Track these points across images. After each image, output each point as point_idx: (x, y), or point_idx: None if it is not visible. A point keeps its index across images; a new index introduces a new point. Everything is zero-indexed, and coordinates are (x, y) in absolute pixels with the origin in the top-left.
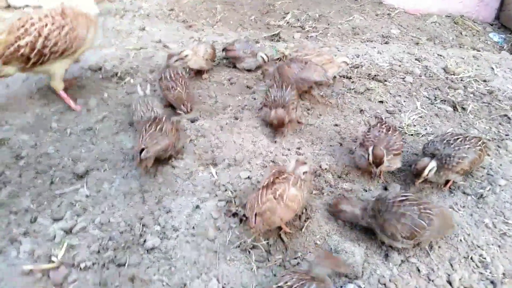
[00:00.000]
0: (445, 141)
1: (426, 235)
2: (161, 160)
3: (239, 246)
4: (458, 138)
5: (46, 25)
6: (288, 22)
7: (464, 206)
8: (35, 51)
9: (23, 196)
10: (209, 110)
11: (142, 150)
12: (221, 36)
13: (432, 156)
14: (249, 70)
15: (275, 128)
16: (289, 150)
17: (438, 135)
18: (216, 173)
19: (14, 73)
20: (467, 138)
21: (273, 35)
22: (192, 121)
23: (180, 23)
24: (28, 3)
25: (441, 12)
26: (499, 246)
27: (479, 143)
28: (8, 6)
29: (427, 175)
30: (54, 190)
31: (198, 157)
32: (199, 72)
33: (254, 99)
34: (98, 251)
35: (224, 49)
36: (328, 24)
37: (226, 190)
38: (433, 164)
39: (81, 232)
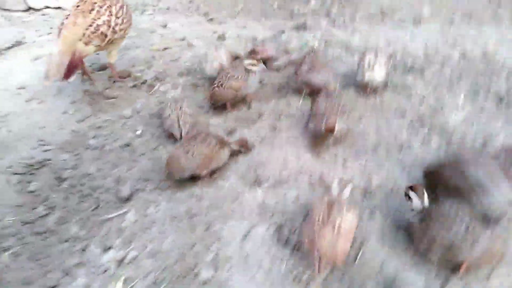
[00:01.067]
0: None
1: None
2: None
3: (295, 278)
4: None
5: (110, 6)
6: (313, 9)
7: None
8: (111, 28)
9: (71, 222)
10: (244, 118)
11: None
12: (245, 28)
13: None
14: (277, 69)
15: (322, 137)
16: (334, 163)
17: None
18: (262, 193)
19: (93, 53)
20: None
21: (299, 24)
22: (229, 132)
23: (201, 16)
24: (48, 4)
25: None
26: None
27: None
28: (29, 9)
29: None
30: (101, 215)
31: (242, 175)
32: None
33: (290, 104)
34: (155, 282)
35: (252, 51)
36: (356, 6)
37: (274, 214)
38: None
39: (134, 262)
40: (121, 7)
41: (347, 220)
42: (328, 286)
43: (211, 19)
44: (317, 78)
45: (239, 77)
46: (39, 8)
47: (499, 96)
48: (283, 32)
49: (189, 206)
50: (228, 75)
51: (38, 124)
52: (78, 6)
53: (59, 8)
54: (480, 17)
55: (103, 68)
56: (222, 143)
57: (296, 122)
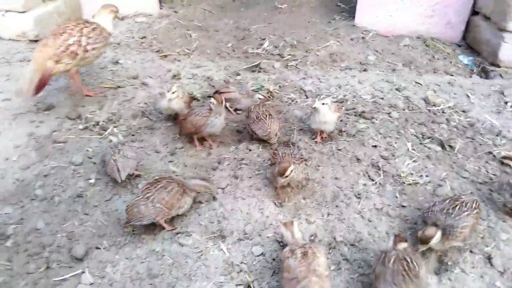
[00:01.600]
0: (444, 211)
1: None
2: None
3: None
4: (456, 206)
5: (82, 28)
6: (266, 50)
7: (473, 267)
8: (82, 47)
9: (17, 286)
10: (204, 164)
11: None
12: (199, 68)
13: (436, 225)
14: (236, 110)
15: (281, 185)
16: (299, 216)
17: (435, 203)
18: (227, 249)
19: (63, 71)
20: (464, 204)
21: (254, 65)
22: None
23: (154, 52)
24: None
25: (412, 34)
26: None
27: (474, 205)
28: None
29: (433, 243)
30: (53, 277)
31: (205, 229)
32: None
33: (250, 150)
34: None
35: (216, 92)
36: (306, 51)
37: (241, 271)
38: (439, 234)
39: None
40: (94, 28)
41: (321, 261)
42: None
43: (165, 56)
44: (261, 130)
45: (203, 114)
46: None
47: (443, 142)
48: (238, 74)
49: (150, 265)
50: (195, 111)
51: None
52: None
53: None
54: (419, 65)
55: (49, 108)
56: (184, 189)
57: (257, 169)
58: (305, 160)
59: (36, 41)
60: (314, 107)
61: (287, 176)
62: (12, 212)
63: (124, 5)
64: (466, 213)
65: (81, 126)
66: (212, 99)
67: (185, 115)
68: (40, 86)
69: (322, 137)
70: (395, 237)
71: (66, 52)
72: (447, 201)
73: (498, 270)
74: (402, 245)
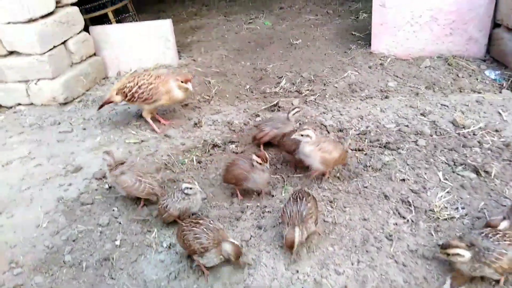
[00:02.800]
0: (483, 234)
1: None
2: None
3: None
4: (498, 233)
5: (141, 79)
6: (283, 88)
7: None
8: (130, 92)
9: None
10: (227, 215)
11: None
12: (219, 113)
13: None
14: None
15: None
16: (327, 266)
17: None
18: None
19: (119, 102)
20: (507, 234)
21: (272, 105)
22: None
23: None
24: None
25: (432, 54)
26: None
27: None
28: None
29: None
30: None
31: (229, 284)
32: None
33: (273, 196)
34: None
35: (253, 138)
36: (324, 84)
37: None
38: (467, 254)
39: None
40: (150, 83)
41: None
42: None
43: (186, 105)
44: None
45: (245, 168)
46: (10, 105)
47: (477, 167)
48: (257, 115)
49: None
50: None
51: (8, 243)
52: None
53: (31, 104)
54: (443, 86)
55: (77, 169)
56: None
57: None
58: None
59: (65, 103)
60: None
61: (294, 247)
62: (42, 281)
63: (145, 59)
64: (507, 242)
65: (107, 186)
66: (254, 157)
67: (229, 163)
68: (103, 104)
69: (319, 175)
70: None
71: (122, 90)
72: (489, 228)
73: None
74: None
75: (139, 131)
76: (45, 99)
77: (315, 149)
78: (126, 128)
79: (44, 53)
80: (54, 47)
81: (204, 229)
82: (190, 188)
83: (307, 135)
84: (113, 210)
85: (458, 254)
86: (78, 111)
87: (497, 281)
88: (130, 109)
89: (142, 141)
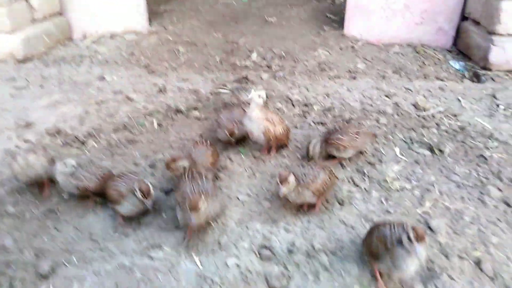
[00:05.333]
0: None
1: None
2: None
3: None
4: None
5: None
6: (254, 62)
7: (462, 273)
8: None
9: None
10: None
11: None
12: (186, 81)
13: None
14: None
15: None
16: (277, 225)
17: None
18: (200, 262)
19: None
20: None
21: (241, 77)
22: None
23: (142, 68)
24: None
25: (402, 41)
26: None
27: None
28: None
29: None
30: None
31: (176, 241)
32: None
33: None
34: None
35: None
36: (295, 61)
37: (212, 284)
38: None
39: None
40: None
41: None
42: None
43: (152, 72)
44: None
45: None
46: None
47: (432, 146)
48: (225, 86)
49: (118, 280)
50: None
51: None
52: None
53: None
54: (409, 72)
55: (28, 125)
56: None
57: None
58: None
59: (24, 61)
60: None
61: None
62: None
63: (113, 23)
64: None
65: (60, 141)
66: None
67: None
68: None
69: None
70: None
71: None
72: None
73: (488, 275)
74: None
75: (100, 92)
76: (2, 54)
77: (261, 116)
78: (87, 89)
79: (3, 5)
80: (15, 0)
81: (124, 178)
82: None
83: (260, 96)
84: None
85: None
86: (37, 69)
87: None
88: (92, 70)
89: (102, 102)
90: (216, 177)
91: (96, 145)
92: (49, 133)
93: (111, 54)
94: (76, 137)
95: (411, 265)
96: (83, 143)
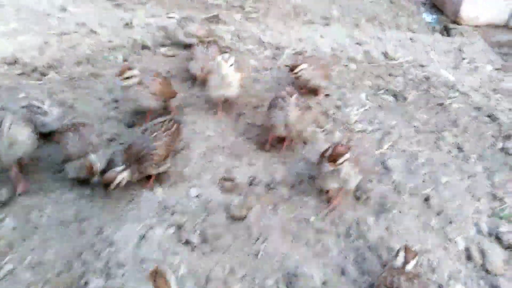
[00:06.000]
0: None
1: None
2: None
3: (197, 279)
4: None
5: None
6: (226, 1)
7: (411, 208)
8: None
9: None
10: None
11: None
12: (154, 17)
13: None
14: None
15: None
16: (240, 160)
17: None
18: (162, 192)
19: None
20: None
21: (212, 16)
22: None
23: (107, 1)
24: None
25: None
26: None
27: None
28: None
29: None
30: None
31: None
32: None
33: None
34: None
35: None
36: (269, 3)
37: (174, 213)
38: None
39: (8, 276)
40: None
41: None
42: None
43: (118, 5)
44: None
45: None
46: None
47: (396, 93)
48: (191, 20)
49: (79, 208)
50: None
51: None
52: None
53: None
54: (382, 22)
55: None
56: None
57: None
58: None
59: None
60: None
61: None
62: None
63: None
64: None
65: (17, 71)
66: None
67: None
68: None
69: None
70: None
71: None
72: None
73: (435, 211)
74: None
75: (62, 23)
76: None
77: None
78: (48, 19)
79: None
80: None
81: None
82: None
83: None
84: (21, 95)
85: None
86: None
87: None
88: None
89: (63, 33)
90: None
91: (57, 77)
92: (7, 62)
93: None
94: (35, 68)
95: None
96: (43, 74)
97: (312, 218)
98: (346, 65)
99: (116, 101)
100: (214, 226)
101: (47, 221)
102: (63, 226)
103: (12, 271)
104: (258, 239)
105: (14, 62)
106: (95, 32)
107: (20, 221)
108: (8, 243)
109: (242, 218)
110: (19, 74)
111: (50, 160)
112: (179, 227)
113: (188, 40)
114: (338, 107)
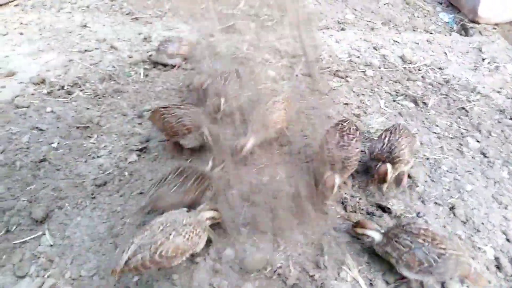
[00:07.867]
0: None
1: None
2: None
3: None
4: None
5: None
6: (241, 10)
7: (437, 218)
8: None
9: None
10: None
11: None
12: (172, 30)
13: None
14: None
15: None
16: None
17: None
18: None
19: None
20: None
21: (228, 26)
22: None
23: (125, 15)
24: None
25: None
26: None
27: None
28: None
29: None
30: (12, 240)
31: None
32: None
33: None
34: None
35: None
36: (283, 11)
37: None
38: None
39: None
40: None
41: None
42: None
43: (136, 19)
44: None
45: None
46: None
47: (416, 98)
48: (211, 35)
49: (111, 224)
50: None
51: None
52: None
53: None
54: (398, 24)
55: (10, 73)
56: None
57: None
58: None
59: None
60: None
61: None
62: None
63: None
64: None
65: (45, 90)
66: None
67: None
68: None
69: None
70: None
71: None
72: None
73: (461, 220)
74: None
75: (83, 40)
76: None
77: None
78: (69, 37)
79: None
80: None
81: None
82: None
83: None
84: (52, 113)
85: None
86: (15, 15)
87: None
88: (73, 17)
89: (85, 50)
90: None
91: (82, 95)
92: (34, 82)
93: (92, 0)
94: (61, 87)
95: None
96: (68, 92)
97: None
98: (364, 71)
99: (140, 117)
100: None
101: (82, 237)
102: (97, 242)
103: (54, 285)
104: None
105: (41, 82)
106: (115, 48)
107: (57, 238)
108: (48, 259)
109: None
110: (46, 94)
111: (81, 177)
112: None
113: (171, 61)
114: (357, 116)
